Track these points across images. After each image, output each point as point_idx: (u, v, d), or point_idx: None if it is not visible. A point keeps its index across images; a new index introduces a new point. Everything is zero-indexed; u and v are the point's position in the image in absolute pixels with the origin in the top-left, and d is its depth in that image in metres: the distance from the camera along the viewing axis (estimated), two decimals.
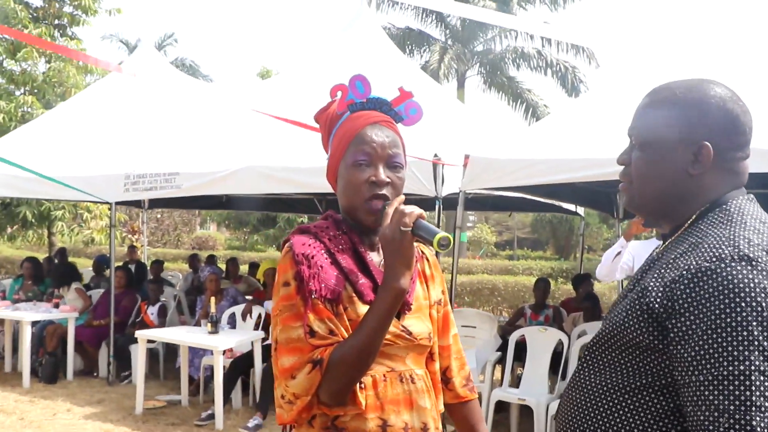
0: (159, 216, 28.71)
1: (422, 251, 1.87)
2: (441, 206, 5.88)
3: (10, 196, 10.63)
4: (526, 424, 5.82)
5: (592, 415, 1.35)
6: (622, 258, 5.28)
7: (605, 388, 1.34)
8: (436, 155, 5.75)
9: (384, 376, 1.65)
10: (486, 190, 6.17)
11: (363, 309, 1.61)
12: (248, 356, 6.69)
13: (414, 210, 1.56)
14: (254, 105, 7.84)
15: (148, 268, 11.06)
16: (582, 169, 5.01)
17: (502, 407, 5.97)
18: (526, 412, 5.79)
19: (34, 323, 7.85)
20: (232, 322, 7.38)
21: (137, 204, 12.04)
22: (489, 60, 26.19)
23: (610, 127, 5.17)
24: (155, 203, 12.03)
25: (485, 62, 26.32)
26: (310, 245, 1.65)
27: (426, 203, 6.62)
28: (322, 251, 1.66)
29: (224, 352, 6.30)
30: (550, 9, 25.74)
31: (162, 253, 23.46)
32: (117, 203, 8.01)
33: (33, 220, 14.22)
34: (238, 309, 7.58)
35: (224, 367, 6.34)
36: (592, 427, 1.34)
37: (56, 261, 11.17)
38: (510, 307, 14.76)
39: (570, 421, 1.40)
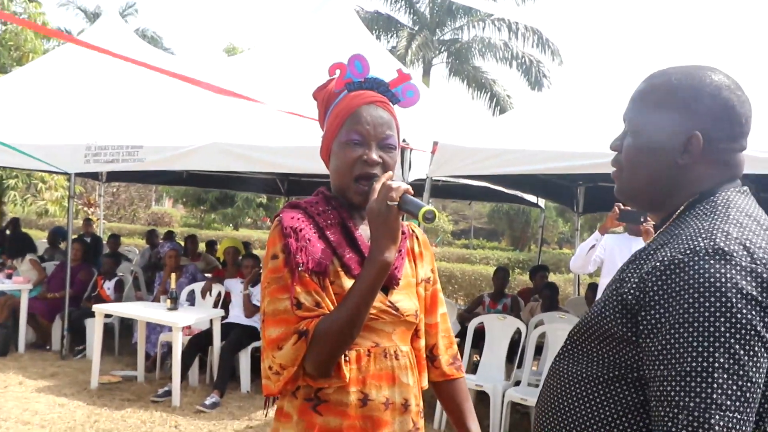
0: (115, 190, 28.27)
1: (412, 229, 1.90)
2: None
3: None
4: (482, 411, 5.90)
5: (566, 403, 1.34)
6: (596, 251, 5.38)
7: (580, 378, 1.33)
8: (404, 140, 5.76)
9: (368, 350, 1.67)
10: (453, 177, 6.23)
11: (349, 283, 1.64)
12: (207, 334, 6.68)
13: (401, 185, 1.58)
14: (221, 81, 7.78)
15: (105, 241, 10.89)
16: (548, 161, 5.09)
17: None
18: (482, 398, 5.87)
19: None
20: (191, 300, 7.34)
21: (94, 176, 11.86)
22: (456, 49, 26.25)
23: (574, 123, 5.29)
24: (113, 176, 11.86)
25: (452, 51, 26.38)
26: (298, 219, 1.68)
27: None
28: (311, 225, 1.68)
29: (183, 329, 6.27)
30: (517, 3, 25.84)
31: (117, 227, 23.18)
32: (76, 174, 7.86)
33: None
34: (197, 286, 7.55)
35: (182, 344, 6.31)
36: (566, 416, 1.34)
37: (8, 232, 10.95)
38: (466, 295, 14.91)
39: (546, 408, 1.40)
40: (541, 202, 10.24)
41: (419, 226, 1.97)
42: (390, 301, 1.71)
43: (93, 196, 22.71)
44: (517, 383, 5.84)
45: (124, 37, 9.81)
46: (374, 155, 1.67)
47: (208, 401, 6.01)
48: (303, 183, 12.04)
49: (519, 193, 9.27)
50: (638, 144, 1.39)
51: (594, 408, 1.28)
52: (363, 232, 1.74)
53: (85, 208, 22.41)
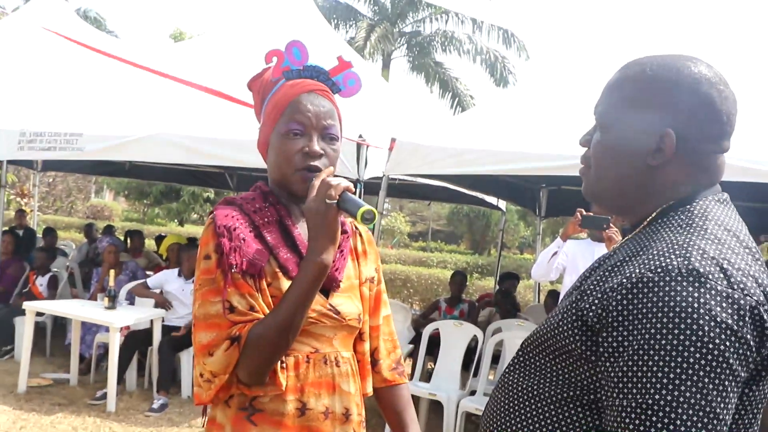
0: (51, 180, 27.70)
1: (356, 227, 1.89)
2: (362, 190, 5.92)
3: None
4: (436, 421, 5.94)
5: (514, 420, 1.28)
6: (558, 258, 5.43)
7: (531, 394, 1.27)
8: (360, 136, 5.77)
9: (307, 356, 1.66)
10: (410, 176, 6.25)
11: (287, 284, 1.62)
12: (145, 333, 6.60)
13: (341, 182, 1.56)
14: (167, 68, 7.69)
15: (39, 235, 10.69)
16: (510, 162, 5.13)
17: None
18: (436, 407, 5.91)
19: None
20: (130, 298, 7.23)
21: (29, 165, 11.62)
22: (417, 42, 26.36)
23: (539, 122, 5.35)
24: (50, 165, 11.65)
25: (413, 44, 26.49)
26: (233, 217, 1.65)
27: None
28: (246, 223, 1.66)
29: (121, 329, 6.18)
30: None
31: (53, 220, 22.72)
32: (8, 162, 7.71)
33: None
34: (136, 284, 7.45)
35: (120, 344, 6.21)
36: None
37: None
38: (422, 299, 14.98)
39: (492, 422, 1.35)
40: (502, 204, 10.32)
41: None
42: (330, 305, 1.70)
43: (27, 186, 22.18)
44: (473, 393, 5.89)
45: (63, 17, 9.61)
46: (316, 146, 1.65)
47: (155, 404, 5.98)
48: (253, 178, 11.89)
49: (480, 195, 9.34)
50: (607, 141, 1.32)
51: (543, 429, 1.23)
52: (302, 230, 1.71)
53: (18, 199, 21.91)
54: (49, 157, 7.16)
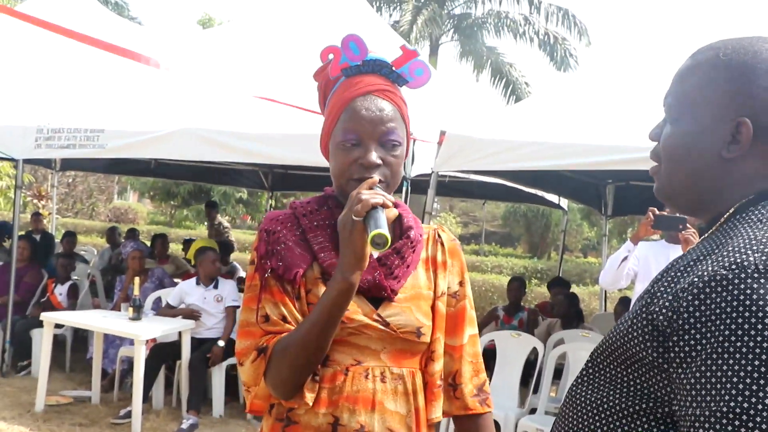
0: (71, 180, 28.16)
1: (439, 234, 1.88)
2: (409, 188, 5.90)
3: None
4: None
5: None
6: (628, 263, 5.32)
7: (601, 408, 1.25)
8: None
9: (347, 369, 1.66)
10: (462, 172, 6.22)
11: None
12: (173, 346, 6.64)
13: (370, 198, 1.53)
14: (195, 56, 7.76)
15: (58, 240, 10.85)
16: (572, 156, 5.09)
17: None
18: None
19: None
20: (156, 308, 7.31)
21: (47, 164, 11.81)
22: (467, 25, 26.22)
23: (604, 112, 5.28)
24: (69, 164, 11.85)
25: (462, 27, 26.35)
26: (279, 220, 1.69)
27: None
28: (294, 226, 1.69)
29: (147, 342, 6.25)
30: None
31: (73, 223, 23.13)
32: (24, 161, 7.81)
33: None
34: (164, 293, 7.50)
35: (146, 358, 6.26)
36: None
37: None
38: (476, 308, 14.90)
39: None
40: (564, 202, 10.23)
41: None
42: (379, 315, 1.69)
43: (45, 187, 22.59)
44: (533, 411, 5.84)
45: (80, 3, 9.77)
46: (372, 157, 1.64)
47: (184, 425, 6.01)
48: (289, 176, 12.00)
49: (539, 192, 9.26)
50: (677, 133, 1.29)
51: None
52: None
53: (35, 201, 22.31)
54: (68, 155, 7.26)
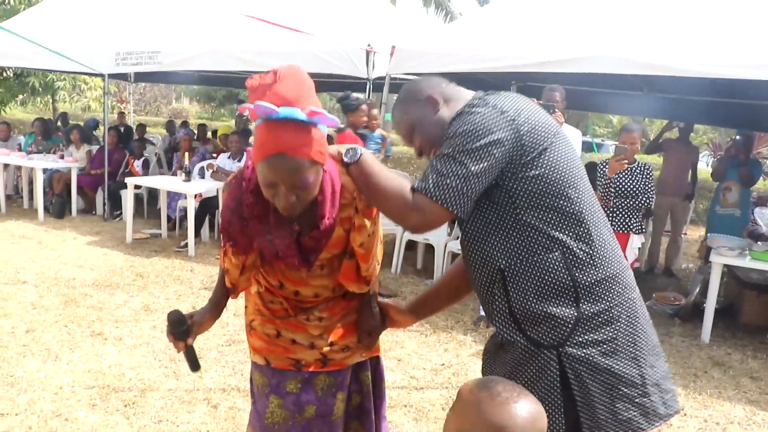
0: (142, 90, 27.33)
1: (354, 196, 1.56)
2: (371, 87, 5.78)
3: (21, 66, 10.06)
4: (429, 259, 6.02)
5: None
6: None
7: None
8: (369, 45, 5.57)
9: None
10: (409, 75, 6.05)
11: None
12: (214, 199, 6.60)
13: (174, 348, 1.65)
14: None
15: (134, 130, 10.63)
16: (485, 62, 4.96)
17: (410, 246, 6.13)
18: (429, 249, 5.97)
19: (44, 170, 7.57)
20: (201, 174, 7.23)
21: (125, 77, 11.40)
22: None
23: (511, 31, 5.12)
24: (140, 77, 11.42)
25: None
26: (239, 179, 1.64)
27: (359, 85, 6.48)
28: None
29: (195, 196, 6.21)
30: None
31: (144, 119, 22.52)
32: (109, 76, 7.59)
33: (40, 89, 13.56)
34: (206, 163, 7.41)
35: (195, 208, 6.27)
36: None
37: (59, 123, 10.73)
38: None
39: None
40: None
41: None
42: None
43: (125, 94, 21.97)
44: (458, 238, 5.90)
45: None
46: (283, 202, 1.40)
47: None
48: None
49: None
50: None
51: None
52: None
53: (119, 104, 21.75)
54: (137, 70, 7.06)
